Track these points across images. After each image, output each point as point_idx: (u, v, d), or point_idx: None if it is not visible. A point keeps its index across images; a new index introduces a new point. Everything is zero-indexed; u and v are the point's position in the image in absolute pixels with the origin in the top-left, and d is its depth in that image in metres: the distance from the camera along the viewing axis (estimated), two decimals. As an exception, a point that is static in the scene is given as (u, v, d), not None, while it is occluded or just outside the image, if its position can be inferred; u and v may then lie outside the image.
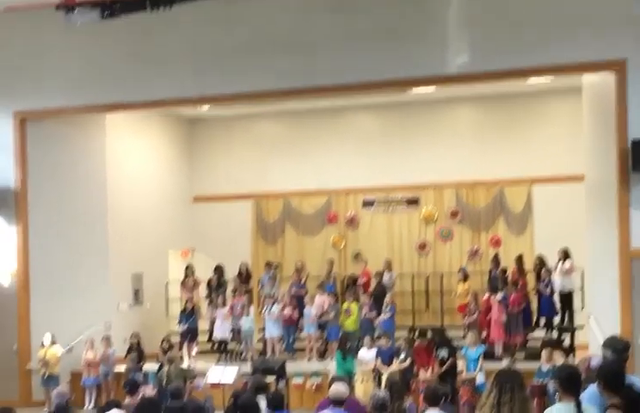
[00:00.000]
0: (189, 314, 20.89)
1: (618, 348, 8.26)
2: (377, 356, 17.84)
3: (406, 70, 18.08)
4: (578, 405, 6.99)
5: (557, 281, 19.75)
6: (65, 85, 19.86)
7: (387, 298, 20.27)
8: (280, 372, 16.67)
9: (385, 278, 21.66)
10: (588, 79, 19.11)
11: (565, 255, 19.67)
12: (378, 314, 20.18)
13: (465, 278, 21.16)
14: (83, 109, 20.20)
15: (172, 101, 20.31)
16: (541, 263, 20.46)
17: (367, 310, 20.20)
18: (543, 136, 23.12)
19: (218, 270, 22.35)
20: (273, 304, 20.52)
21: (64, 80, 19.89)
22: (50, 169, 20.76)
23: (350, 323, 20.16)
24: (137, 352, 19.65)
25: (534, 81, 20.68)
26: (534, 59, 17.31)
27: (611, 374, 7.43)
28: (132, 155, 22.84)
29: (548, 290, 19.77)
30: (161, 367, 17.72)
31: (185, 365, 19.37)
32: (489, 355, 18.67)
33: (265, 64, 18.58)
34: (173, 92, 19.37)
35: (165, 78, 19.18)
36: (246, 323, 20.67)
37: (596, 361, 10.68)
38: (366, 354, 17.99)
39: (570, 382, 7.17)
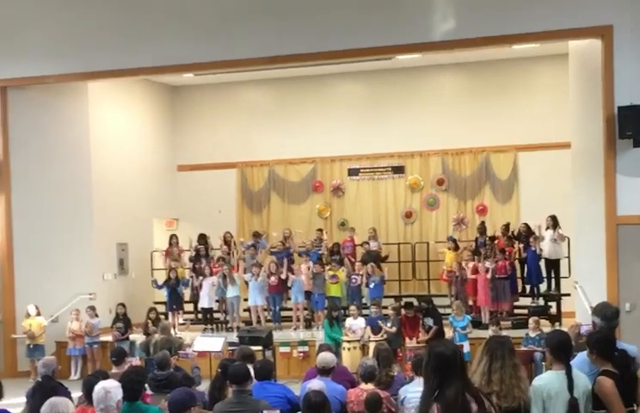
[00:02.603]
0: (174, 283, 20.78)
1: (607, 315, 8.20)
2: (366, 325, 17.85)
3: (391, 37, 17.98)
4: (568, 372, 6.96)
5: (546, 248, 19.73)
6: (47, 52, 19.65)
7: (369, 268, 20.12)
8: (267, 342, 16.63)
9: (373, 245, 21.52)
10: (575, 45, 19.05)
11: (555, 222, 19.65)
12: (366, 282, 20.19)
13: (456, 246, 21.06)
14: (66, 77, 19.97)
15: (155, 69, 20.19)
16: (528, 231, 20.40)
17: (358, 279, 20.10)
18: (529, 102, 23.07)
19: (203, 239, 22.20)
20: (259, 273, 20.38)
21: (46, 47, 19.67)
22: (32, 138, 20.54)
23: (336, 289, 20.09)
24: (123, 322, 19.58)
25: (520, 47, 20.60)
26: (520, 26, 17.25)
27: (603, 341, 7.43)
28: (116, 123, 22.66)
29: (538, 250, 19.75)
30: (149, 336, 17.62)
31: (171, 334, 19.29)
32: (475, 324, 18.71)
33: (249, 31, 18.48)
34: (156, 60, 19.23)
35: (148, 46, 19.04)
36: (231, 291, 20.58)
37: (586, 329, 10.67)
38: (354, 323, 17.97)
39: (561, 349, 7.12)
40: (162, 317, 19.56)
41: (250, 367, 9.99)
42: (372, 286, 19.95)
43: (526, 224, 20.72)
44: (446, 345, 5.89)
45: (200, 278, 20.91)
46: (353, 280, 20.09)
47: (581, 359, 7.76)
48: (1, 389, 8.87)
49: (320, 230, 22.82)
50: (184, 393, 8.05)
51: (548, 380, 7.05)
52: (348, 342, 17.46)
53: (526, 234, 20.27)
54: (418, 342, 17.33)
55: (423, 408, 5.68)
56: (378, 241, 21.87)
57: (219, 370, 10.63)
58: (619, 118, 16.39)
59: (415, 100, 24.00)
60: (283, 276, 20.41)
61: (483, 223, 21.98)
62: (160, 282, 21.06)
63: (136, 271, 22.78)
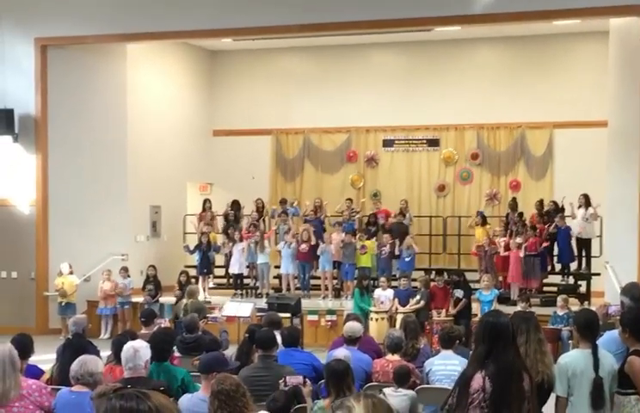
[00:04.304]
0: (205, 248, 20.90)
1: (636, 295, 8.18)
2: (394, 297, 17.88)
3: (431, 8, 17.90)
4: (594, 351, 6.95)
5: (577, 227, 19.62)
6: (87, 13, 19.78)
7: (408, 241, 20.14)
8: (296, 309, 16.70)
9: (405, 218, 21.54)
10: (615, 23, 18.85)
11: (587, 201, 19.51)
12: (394, 253, 20.18)
13: (484, 222, 20.97)
14: (105, 38, 20.12)
15: (194, 33, 20.26)
16: (556, 209, 20.28)
17: (387, 249, 20.10)
18: (567, 79, 22.82)
19: (236, 205, 22.27)
20: (292, 241, 20.45)
21: (86, 7, 19.82)
22: (70, 97, 20.69)
23: (365, 260, 20.12)
24: (153, 284, 19.74)
25: (561, 23, 20.38)
26: (560, 1, 17.05)
27: (636, 322, 7.35)
28: (153, 86, 22.74)
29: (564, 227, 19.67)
30: (179, 300, 17.76)
31: (200, 298, 19.39)
32: (504, 299, 18.67)
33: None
34: (195, 24, 19.30)
35: (188, 9, 19.10)
36: (261, 258, 20.68)
37: (614, 309, 10.63)
38: (382, 294, 18.01)
39: (588, 328, 7.13)
40: (192, 280, 19.66)
41: (277, 334, 10.07)
42: (407, 259, 19.93)
43: (554, 202, 20.60)
44: (498, 316, 5.94)
45: (231, 244, 21.00)
46: (383, 252, 20.08)
47: (607, 338, 7.75)
48: (31, 345, 8.97)
49: (350, 199, 22.79)
50: (215, 357, 8.15)
51: (573, 358, 7.06)
52: (376, 312, 17.50)
53: (555, 212, 20.15)
54: (447, 315, 17.35)
55: (468, 373, 5.74)
56: (409, 213, 21.85)
57: (247, 335, 10.72)
58: (658, 98, 16.25)
59: (452, 72, 23.82)
60: (313, 242, 20.47)
61: (514, 199, 21.81)
62: (192, 247, 21.13)
63: (168, 234, 22.91)
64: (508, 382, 5.60)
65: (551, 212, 20.34)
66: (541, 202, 21.05)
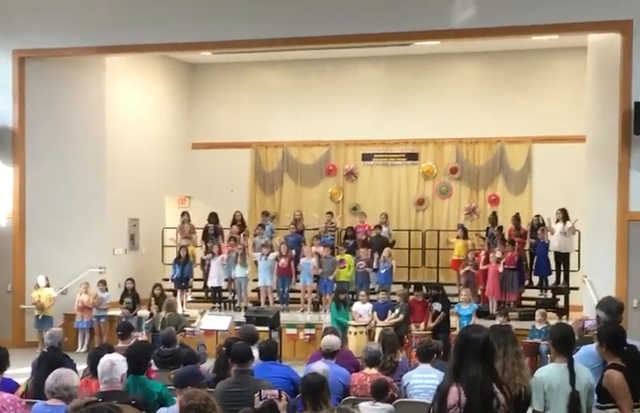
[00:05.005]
0: (183, 261, 20.82)
1: (612, 309, 8.22)
2: (373, 310, 17.87)
3: (410, 23, 17.95)
4: (571, 365, 6.96)
5: (555, 241, 19.67)
6: (66, 25, 19.72)
7: (385, 253, 20.16)
8: (274, 323, 16.66)
9: (383, 231, 21.56)
10: (594, 39, 18.96)
11: (565, 215, 19.58)
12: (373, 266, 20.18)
13: (465, 234, 21.01)
14: (84, 50, 20.06)
15: (173, 46, 20.24)
16: (539, 222, 20.35)
17: (365, 263, 20.10)
18: (546, 94, 22.92)
19: (213, 217, 22.20)
20: (269, 253, 20.41)
21: (64, 20, 19.75)
22: (48, 110, 20.55)
23: (344, 274, 20.09)
24: (131, 297, 19.66)
25: (539, 38, 20.51)
26: (540, 17, 17.18)
27: (613, 336, 7.43)
28: (132, 98, 22.69)
29: (546, 240, 19.73)
30: (154, 313, 17.68)
31: (179, 311, 19.31)
32: (483, 313, 18.69)
33: (267, 11, 18.47)
34: (175, 37, 19.28)
35: (167, 22, 19.08)
36: (239, 271, 20.61)
37: (590, 323, 10.68)
38: (361, 308, 17.99)
39: (563, 342, 7.13)
40: (168, 293, 19.54)
41: (254, 347, 10.03)
42: (383, 271, 19.93)
43: (538, 216, 20.67)
44: (471, 331, 5.95)
45: (209, 255, 20.94)
46: (359, 265, 20.08)
47: (584, 352, 7.79)
48: (7, 358, 8.91)
49: (330, 213, 22.81)
50: (190, 371, 8.11)
51: (550, 372, 7.06)
52: (355, 326, 17.48)
53: (538, 226, 20.23)
54: (426, 329, 17.34)
55: (443, 387, 5.77)
56: (389, 227, 21.89)
57: (224, 348, 10.68)
58: (636, 113, 16.30)
59: (431, 87, 23.88)
60: (293, 264, 20.50)
61: (494, 213, 21.92)
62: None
63: (146, 247, 22.82)
64: (478, 397, 5.60)
65: (535, 226, 20.40)
66: (517, 216, 21.12)
